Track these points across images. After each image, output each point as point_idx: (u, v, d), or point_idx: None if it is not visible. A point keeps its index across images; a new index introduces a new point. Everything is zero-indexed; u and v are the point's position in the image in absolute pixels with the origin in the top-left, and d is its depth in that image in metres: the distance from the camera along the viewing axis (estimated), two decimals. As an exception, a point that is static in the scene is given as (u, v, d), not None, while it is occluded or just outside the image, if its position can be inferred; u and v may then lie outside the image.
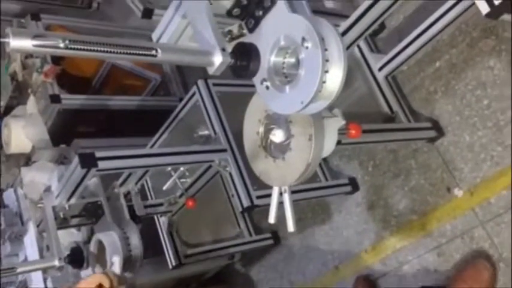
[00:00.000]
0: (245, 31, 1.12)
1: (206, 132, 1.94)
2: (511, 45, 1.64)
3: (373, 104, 1.84)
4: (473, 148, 1.77)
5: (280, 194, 1.15)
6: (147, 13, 2.25)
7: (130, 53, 0.84)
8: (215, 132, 1.88)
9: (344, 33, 1.59)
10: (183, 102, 2.01)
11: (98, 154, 1.54)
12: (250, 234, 2.41)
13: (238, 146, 1.87)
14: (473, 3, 1.59)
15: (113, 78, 2.78)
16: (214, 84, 1.96)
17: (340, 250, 2.19)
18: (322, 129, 1.11)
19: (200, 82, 1.93)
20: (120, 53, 0.83)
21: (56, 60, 2.55)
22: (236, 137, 1.88)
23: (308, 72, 0.97)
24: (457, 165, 1.81)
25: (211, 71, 0.96)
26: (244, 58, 0.98)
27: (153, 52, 0.87)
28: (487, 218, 1.74)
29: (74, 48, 0.77)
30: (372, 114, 1.83)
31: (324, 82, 0.96)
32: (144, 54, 0.86)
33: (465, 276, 1.67)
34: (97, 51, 0.80)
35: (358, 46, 1.84)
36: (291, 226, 1.15)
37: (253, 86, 2.01)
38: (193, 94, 1.96)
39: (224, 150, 1.84)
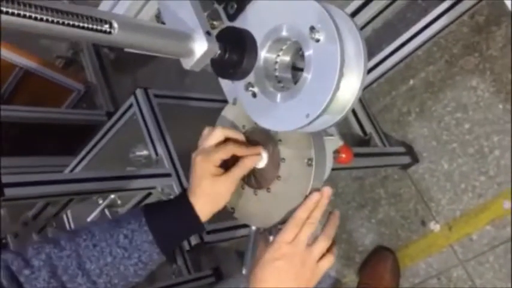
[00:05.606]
0: (216, 23, 0.83)
1: (145, 152, 1.60)
2: None
3: (343, 125, 1.61)
4: (452, 177, 1.58)
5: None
6: None
7: (73, 25, 0.52)
8: (157, 153, 1.55)
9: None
10: (117, 115, 1.66)
11: (5, 179, 1.17)
12: (189, 272, 2.07)
13: (185, 169, 1.56)
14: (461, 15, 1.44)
15: (26, 86, 2.36)
16: (156, 96, 1.63)
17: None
18: (323, 152, 0.83)
19: (139, 92, 1.60)
20: (56, 22, 0.50)
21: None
22: (182, 159, 1.57)
23: (318, 76, 0.70)
24: (434, 195, 1.61)
25: (188, 64, 0.65)
26: (237, 49, 0.69)
27: (106, 27, 0.56)
28: (468, 257, 1.55)
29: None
30: (343, 136, 1.59)
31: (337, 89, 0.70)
32: (92, 29, 0.54)
33: None
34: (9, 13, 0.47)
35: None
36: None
37: (203, 100, 1.68)
38: (130, 106, 1.62)
39: (168, 175, 1.52)
